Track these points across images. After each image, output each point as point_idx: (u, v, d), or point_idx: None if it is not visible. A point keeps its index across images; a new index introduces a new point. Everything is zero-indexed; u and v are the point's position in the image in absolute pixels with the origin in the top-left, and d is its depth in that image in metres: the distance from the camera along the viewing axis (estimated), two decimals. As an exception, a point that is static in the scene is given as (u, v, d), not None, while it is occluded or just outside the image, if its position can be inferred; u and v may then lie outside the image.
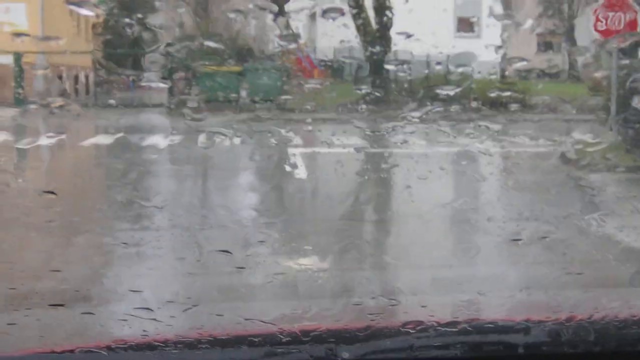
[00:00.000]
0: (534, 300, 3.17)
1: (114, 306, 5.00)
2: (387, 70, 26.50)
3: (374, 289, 5.67)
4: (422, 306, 2.78)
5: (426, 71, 26.09)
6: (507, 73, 30.81)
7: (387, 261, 7.11)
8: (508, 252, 7.20)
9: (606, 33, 16.61)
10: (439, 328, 2.34)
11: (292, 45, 31.04)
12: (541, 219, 8.57)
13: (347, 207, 9.97)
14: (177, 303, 4.87)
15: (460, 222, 8.64)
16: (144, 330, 2.56)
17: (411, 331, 2.34)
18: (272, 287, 5.57)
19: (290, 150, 15.39)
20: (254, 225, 8.63)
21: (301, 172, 13.06)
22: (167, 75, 24.97)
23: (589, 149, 14.23)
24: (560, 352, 2.35)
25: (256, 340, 2.30)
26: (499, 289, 5.40)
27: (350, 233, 8.23)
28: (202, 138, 15.55)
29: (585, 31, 26.25)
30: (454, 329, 2.34)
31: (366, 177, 13.12)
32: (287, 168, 13.48)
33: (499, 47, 26.84)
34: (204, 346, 2.28)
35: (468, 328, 2.37)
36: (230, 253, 6.15)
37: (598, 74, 21.90)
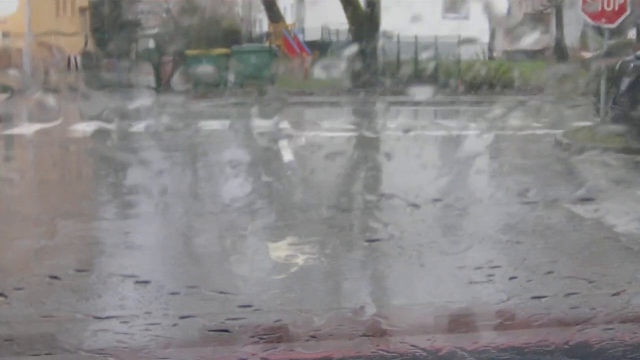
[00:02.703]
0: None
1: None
2: (376, 53, 26.41)
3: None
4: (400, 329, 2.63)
5: (414, 54, 26.00)
6: (494, 54, 30.77)
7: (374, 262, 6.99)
8: (499, 238, 7.14)
9: (595, 14, 16.51)
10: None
11: (280, 27, 30.99)
12: (526, 203, 8.53)
13: (333, 193, 9.89)
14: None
15: (449, 208, 8.57)
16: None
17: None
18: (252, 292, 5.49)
19: (278, 133, 15.31)
20: (236, 211, 8.54)
21: (288, 155, 12.96)
22: (155, 58, 24.85)
23: (579, 131, 14.20)
24: None
25: None
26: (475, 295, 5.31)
27: (335, 222, 8.15)
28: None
29: (574, 11, 26.16)
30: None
31: (353, 161, 13.06)
32: (274, 151, 13.40)
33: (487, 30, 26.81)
34: None
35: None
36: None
37: (587, 55, 21.86)
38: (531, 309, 3.08)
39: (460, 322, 2.67)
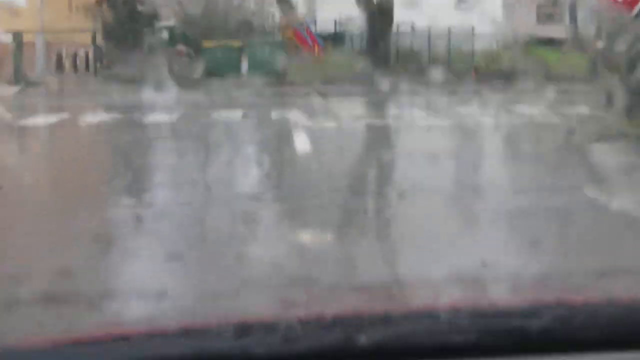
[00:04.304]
0: (544, 281, 3.11)
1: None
2: (389, 43, 26.38)
3: (384, 270, 5.55)
4: (435, 291, 2.72)
5: (427, 44, 26.02)
6: (508, 44, 30.59)
7: (396, 241, 6.95)
8: (515, 227, 7.11)
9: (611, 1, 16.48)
10: (454, 313, 2.29)
11: (292, 20, 30.96)
12: (545, 190, 8.51)
13: (352, 182, 9.85)
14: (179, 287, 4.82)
15: (465, 196, 8.55)
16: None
17: (426, 316, 2.29)
18: (278, 269, 5.48)
19: (292, 124, 15.31)
20: (256, 201, 8.52)
21: (304, 146, 12.92)
22: (169, 50, 24.90)
23: (593, 119, 14.16)
24: (573, 337, 2.29)
25: (271, 326, 2.23)
26: (507, 269, 5.31)
27: (356, 210, 8.11)
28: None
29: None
30: (467, 313, 2.29)
31: (370, 150, 13.04)
32: (289, 142, 13.39)
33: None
34: (215, 334, 2.21)
35: (482, 312, 2.32)
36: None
37: (600, 44, 21.75)
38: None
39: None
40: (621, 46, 14.57)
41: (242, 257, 6.04)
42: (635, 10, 14.95)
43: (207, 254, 6.42)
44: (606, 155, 10.87)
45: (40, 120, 16.20)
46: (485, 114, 13.98)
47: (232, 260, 6.03)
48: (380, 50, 24.78)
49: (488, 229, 7.16)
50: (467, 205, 8.10)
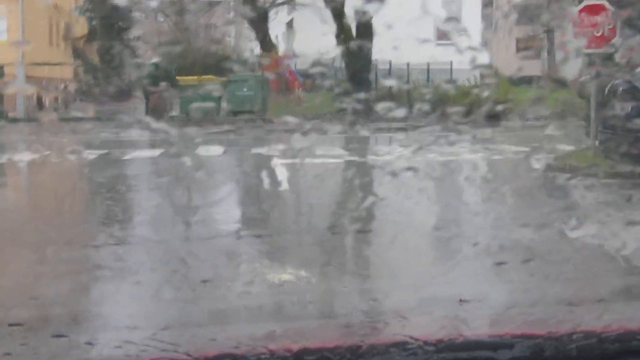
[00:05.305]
0: (517, 315, 3.18)
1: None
2: (368, 80, 26.51)
3: (359, 307, 5.61)
4: (406, 325, 2.79)
5: (406, 80, 26.19)
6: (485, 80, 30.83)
7: (371, 277, 7.03)
8: (490, 262, 7.18)
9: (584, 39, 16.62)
10: (425, 347, 2.37)
11: (271, 58, 31.09)
12: (521, 226, 8.57)
13: (328, 219, 9.91)
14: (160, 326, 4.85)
15: (443, 232, 8.62)
16: (127, 355, 2.54)
17: (397, 350, 2.37)
18: (254, 306, 5.54)
19: (272, 161, 15.38)
20: (235, 238, 8.57)
21: (282, 183, 13.03)
22: (147, 87, 24.92)
23: (569, 155, 14.26)
24: None
25: (240, 358, 2.31)
26: (482, 303, 5.39)
27: (332, 247, 8.17)
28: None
29: (564, 37, 26.31)
30: (439, 347, 2.37)
31: (347, 188, 13.10)
32: (269, 179, 13.50)
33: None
34: None
35: (453, 345, 2.40)
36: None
37: (577, 80, 21.92)
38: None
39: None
40: (595, 82, 14.70)
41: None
42: (608, 46, 15.12)
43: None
44: (581, 192, 10.97)
45: (20, 156, 16.23)
46: (461, 151, 14.05)
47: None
48: (359, 87, 24.89)
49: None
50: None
